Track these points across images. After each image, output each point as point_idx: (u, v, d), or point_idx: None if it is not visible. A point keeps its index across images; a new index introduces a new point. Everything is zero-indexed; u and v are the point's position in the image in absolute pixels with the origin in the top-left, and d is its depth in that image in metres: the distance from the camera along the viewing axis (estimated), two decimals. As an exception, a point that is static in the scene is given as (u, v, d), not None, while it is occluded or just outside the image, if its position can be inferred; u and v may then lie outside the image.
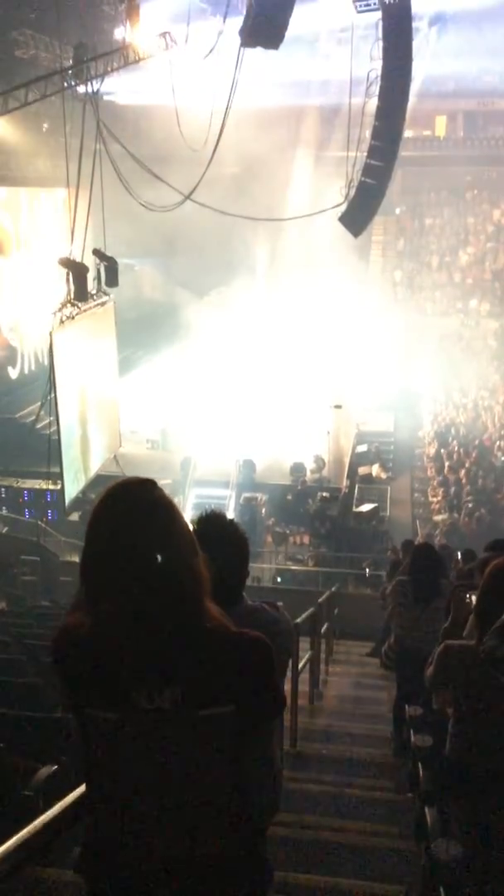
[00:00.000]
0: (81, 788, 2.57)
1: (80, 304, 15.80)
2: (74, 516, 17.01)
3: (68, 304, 15.51)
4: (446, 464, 19.68)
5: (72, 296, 15.58)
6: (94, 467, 17.47)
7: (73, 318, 15.59)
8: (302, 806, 4.80)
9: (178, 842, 1.71)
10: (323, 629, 8.53)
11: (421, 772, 4.05)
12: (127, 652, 1.68)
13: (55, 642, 1.83)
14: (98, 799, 1.80)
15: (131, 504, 1.71)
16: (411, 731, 4.64)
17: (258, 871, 1.84)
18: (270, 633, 1.91)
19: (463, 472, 18.94)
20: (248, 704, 1.73)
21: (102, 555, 1.70)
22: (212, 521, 2.45)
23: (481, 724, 2.88)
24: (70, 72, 17.28)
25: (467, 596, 3.37)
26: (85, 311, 16.37)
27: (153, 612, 1.66)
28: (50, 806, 2.52)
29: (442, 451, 20.68)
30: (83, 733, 1.76)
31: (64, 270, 15.43)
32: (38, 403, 18.41)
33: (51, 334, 14.75)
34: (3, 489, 18.34)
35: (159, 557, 1.66)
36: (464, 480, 18.59)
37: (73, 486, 15.87)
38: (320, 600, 8.61)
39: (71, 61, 17.66)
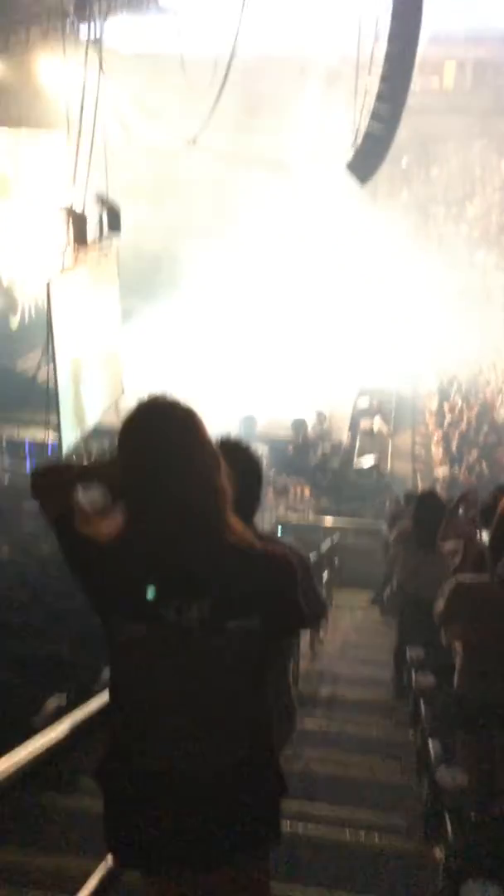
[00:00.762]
0: (82, 711, 2.59)
1: (80, 251, 15.59)
2: (77, 467, 17.01)
3: (68, 251, 15.32)
4: (447, 418, 19.68)
5: (71, 243, 15.37)
6: (95, 417, 17.47)
7: (73, 266, 15.39)
8: (302, 742, 4.88)
9: (201, 749, 1.75)
10: (324, 577, 8.60)
11: (423, 709, 4.14)
12: (154, 566, 1.71)
13: (78, 552, 1.84)
14: (124, 707, 1.84)
15: (152, 423, 1.76)
16: (412, 672, 4.72)
17: (276, 779, 1.88)
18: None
19: (464, 426, 18.95)
20: (273, 617, 1.77)
21: (127, 474, 1.76)
22: (227, 444, 2.45)
23: (491, 656, 2.92)
24: (72, 11, 16.84)
25: (478, 533, 3.40)
26: (86, 258, 16.17)
27: (178, 528, 1.70)
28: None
29: (444, 404, 20.66)
30: (110, 642, 1.80)
31: (64, 216, 15.20)
32: (40, 353, 18.29)
33: (48, 283, 14.60)
34: (3, 440, 18.33)
35: (181, 474, 1.69)
36: (465, 432, 18.60)
37: (71, 435, 15.87)
38: (322, 548, 8.67)
39: (73, 1, 17.21)
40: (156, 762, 1.77)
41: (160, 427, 1.74)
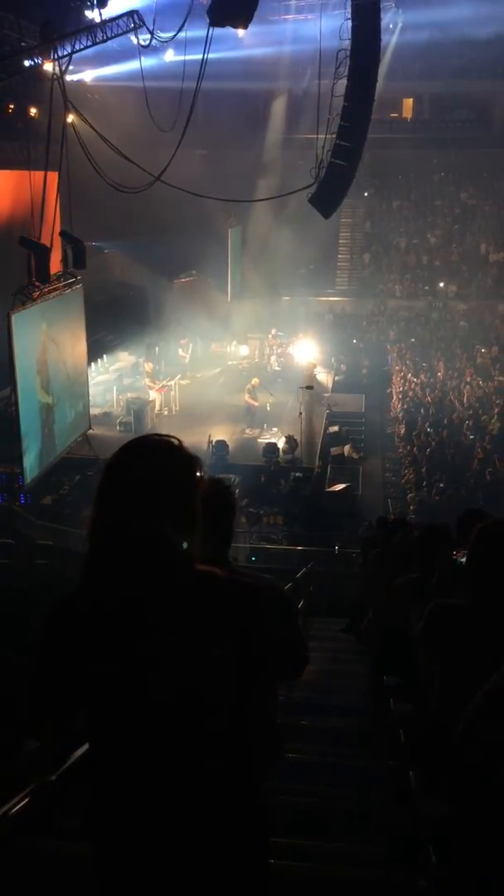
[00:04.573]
0: (71, 758, 2.61)
1: (41, 286, 15.71)
2: (47, 500, 16.93)
3: (30, 286, 15.43)
4: (416, 443, 19.86)
5: (33, 277, 15.48)
6: (60, 449, 17.50)
7: (34, 299, 15.51)
8: (282, 774, 4.86)
9: (183, 792, 1.74)
10: (300, 605, 8.59)
11: (402, 738, 4.14)
12: (126, 608, 1.71)
13: (55, 615, 1.80)
14: (103, 757, 1.81)
15: (133, 456, 1.78)
16: (391, 701, 4.73)
17: (260, 818, 1.89)
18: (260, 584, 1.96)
19: (431, 451, 19.13)
20: (245, 645, 1.79)
21: (100, 520, 1.77)
22: (210, 486, 2.48)
23: (468, 681, 2.95)
24: (36, 51, 17.01)
25: (453, 553, 3.46)
26: (49, 292, 16.28)
27: (145, 562, 1.71)
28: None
29: (412, 431, 20.86)
30: (83, 685, 1.77)
31: (26, 250, 15.32)
32: (9, 387, 18.27)
33: (8, 315, 14.66)
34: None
35: (151, 506, 1.72)
36: (433, 457, 18.77)
37: (35, 467, 15.89)
38: (298, 576, 8.68)
39: (37, 40, 17.38)
40: (138, 807, 1.74)
41: (141, 460, 1.77)
